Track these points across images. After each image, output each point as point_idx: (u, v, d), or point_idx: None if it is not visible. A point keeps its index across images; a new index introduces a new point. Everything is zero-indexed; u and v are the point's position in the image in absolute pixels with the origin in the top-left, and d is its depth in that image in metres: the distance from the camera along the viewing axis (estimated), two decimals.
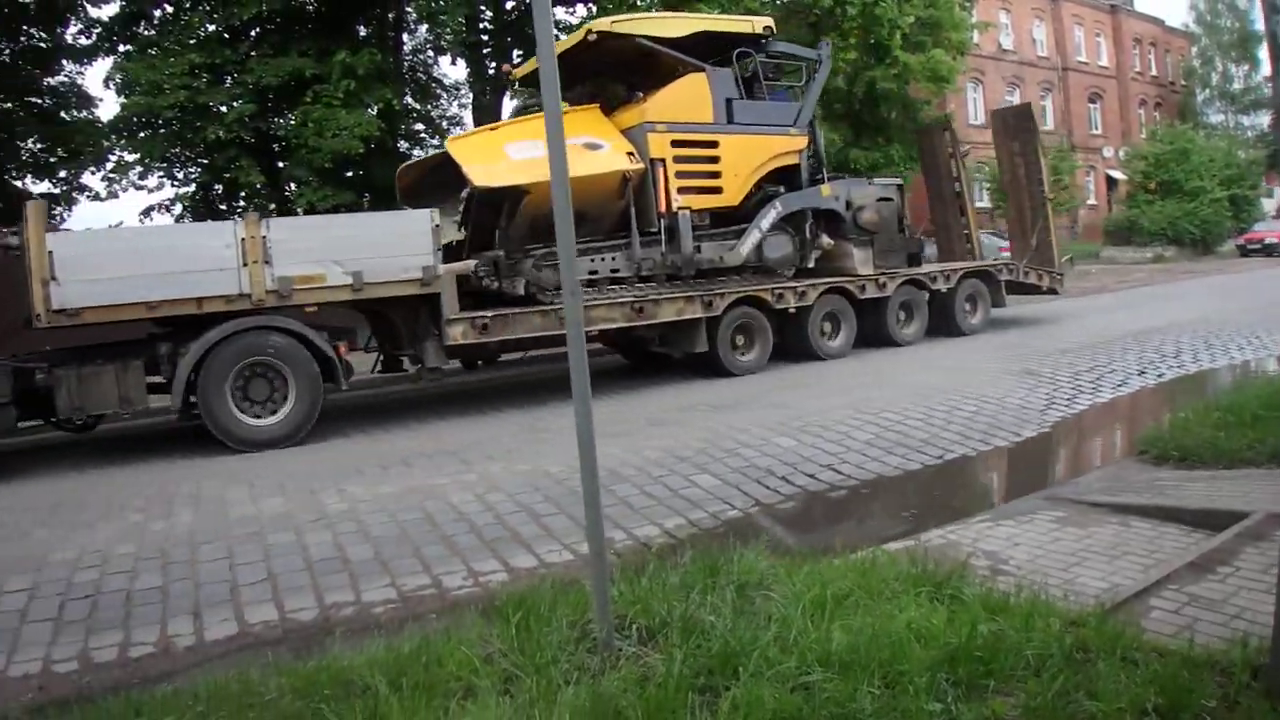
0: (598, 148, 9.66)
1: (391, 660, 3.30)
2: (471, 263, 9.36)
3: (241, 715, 3.05)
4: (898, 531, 4.81)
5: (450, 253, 9.08)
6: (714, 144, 10.09)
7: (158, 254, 7.58)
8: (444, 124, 19.87)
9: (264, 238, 7.80)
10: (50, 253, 7.41)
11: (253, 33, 14.12)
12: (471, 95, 18.01)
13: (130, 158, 15.56)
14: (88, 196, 18.83)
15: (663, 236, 9.86)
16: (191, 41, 13.78)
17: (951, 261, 13.01)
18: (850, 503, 5.66)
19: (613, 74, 10.47)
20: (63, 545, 5.61)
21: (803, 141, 10.76)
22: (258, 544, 5.36)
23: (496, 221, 9.57)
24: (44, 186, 18.48)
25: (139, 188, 16.55)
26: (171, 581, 4.92)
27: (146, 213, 16.08)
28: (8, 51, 16.80)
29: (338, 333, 8.54)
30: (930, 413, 7.37)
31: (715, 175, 10.13)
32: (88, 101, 17.72)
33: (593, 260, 9.72)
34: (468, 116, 19.01)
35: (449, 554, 5.09)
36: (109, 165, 16.30)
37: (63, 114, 17.22)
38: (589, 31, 9.45)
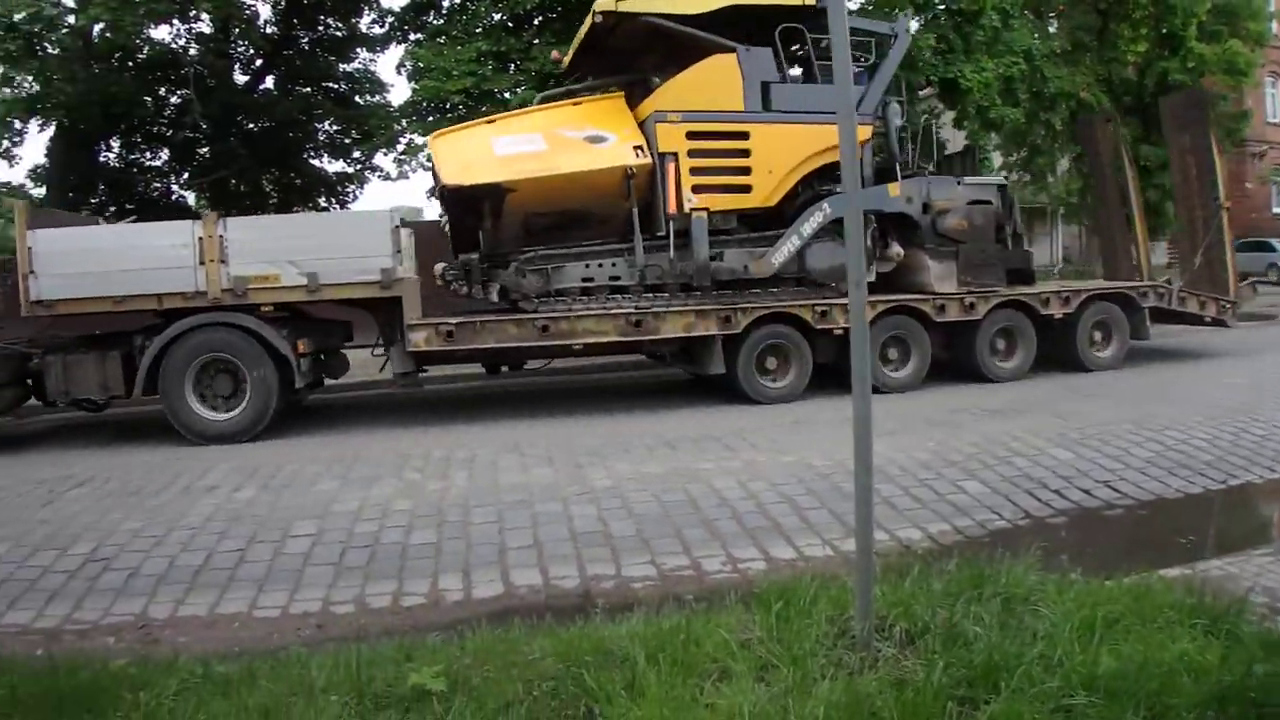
0: (601, 141, 9.35)
1: (651, 635, 3.60)
2: (439, 266, 9.41)
3: (504, 671, 3.43)
4: (1174, 558, 4.79)
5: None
6: (743, 135, 9.43)
7: (124, 252, 8.38)
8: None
9: (220, 237, 8.47)
10: (30, 248, 8.50)
11: (535, 21, 15.15)
12: None
13: (420, 140, 17.14)
14: (379, 176, 21.96)
15: (671, 241, 9.43)
16: (478, 30, 15.01)
17: (1114, 280, 11.93)
18: (1125, 523, 5.66)
19: (638, 59, 10.08)
20: (345, 498, 6.52)
21: (866, 131, 9.78)
22: (526, 511, 5.97)
23: (479, 222, 9.49)
24: (339, 166, 21.83)
25: (427, 169, 19.03)
26: (445, 539, 5.58)
27: (431, 193, 18.23)
28: (307, 40, 19.92)
29: (302, 331, 9.08)
30: (1237, 434, 7.26)
31: (743, 171, 9.50)
32: (380, 87, 20.07)
33: (588, 266, 9.46)
34: None
35: (709, 538, 5.45)
36: (399, 147, 18.38)
37: (357, 99, 20.04)
38: (595, 12, 9.12)
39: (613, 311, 9.27)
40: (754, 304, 9.60)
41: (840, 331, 9.63)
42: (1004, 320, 10.45)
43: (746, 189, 9.54)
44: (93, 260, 8.64)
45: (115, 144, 18.71)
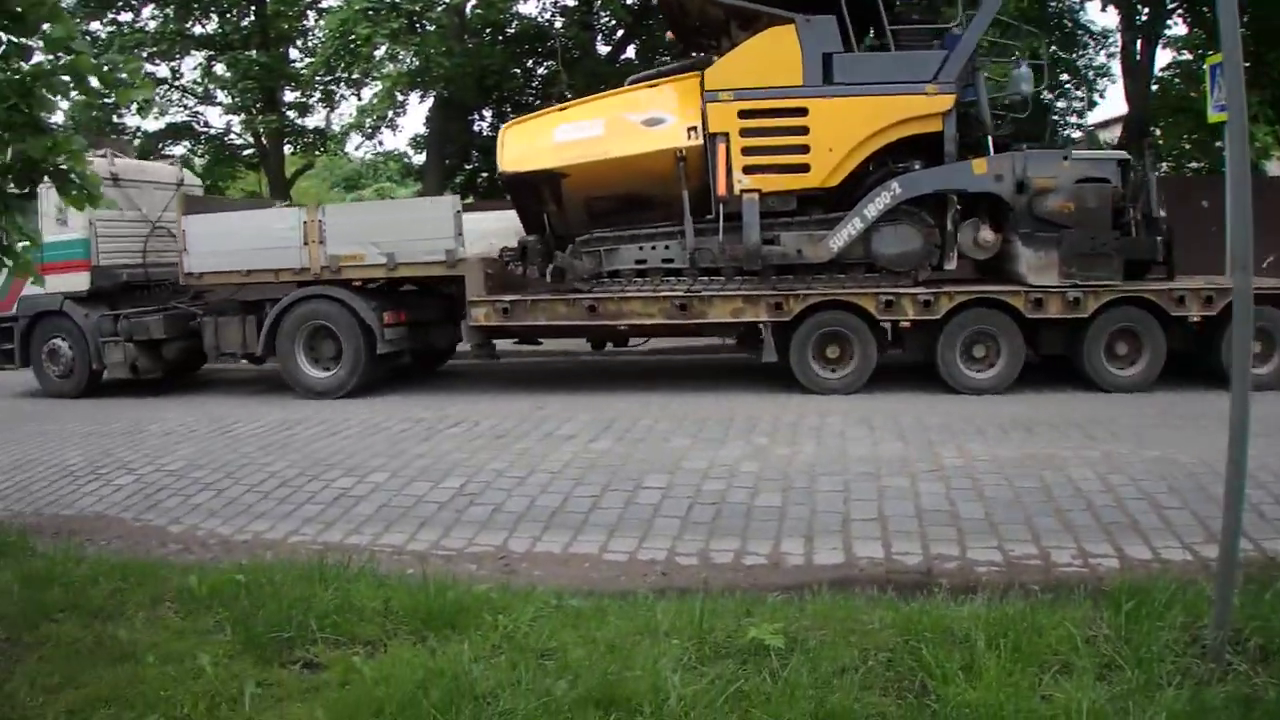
0: (658, 123, 9.85)
1: (993, 619, 3.80)
2: (498, 247, 10.58)
3: (842, 636, 3.77)
4: None
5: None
6: (800, 111, 9.43)
7: (250, 234, 10.88)
8: (1089, 74, 20.21)
9: (320, 221, 10.73)
10: (185, 230, 11.28)
11: None
12: (1120, 45, 18.49)
13: None
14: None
15: (720, 224, 9.76)
16: None
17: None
18: None
19: (716, 35, 10.34)
20: (695, 456, 7.24)
21: (946, 101, 9.45)
22: (872, 484, 6.31)
23: (542, 206, 10.40)
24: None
25: None
26: (789, 504, 6.05)
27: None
28: None
29: (391, 304, 10.92)
30: None
31: (801, 150, 9.48)
32: None
33: (641, 248, 10.14)
34: (1116, 66, 19.56)
35: (1060, 528, 5.54)
36: None
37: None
38: None
39: (659, 294, 9.92)
40: (807, 290, 9.81)
41: (908, 324, 9.72)
42: (1122, 320, 9.74)
43: (804, 168, 9.62)
44: (228, 240, 11.18)
45: (488, 114, 21.16)
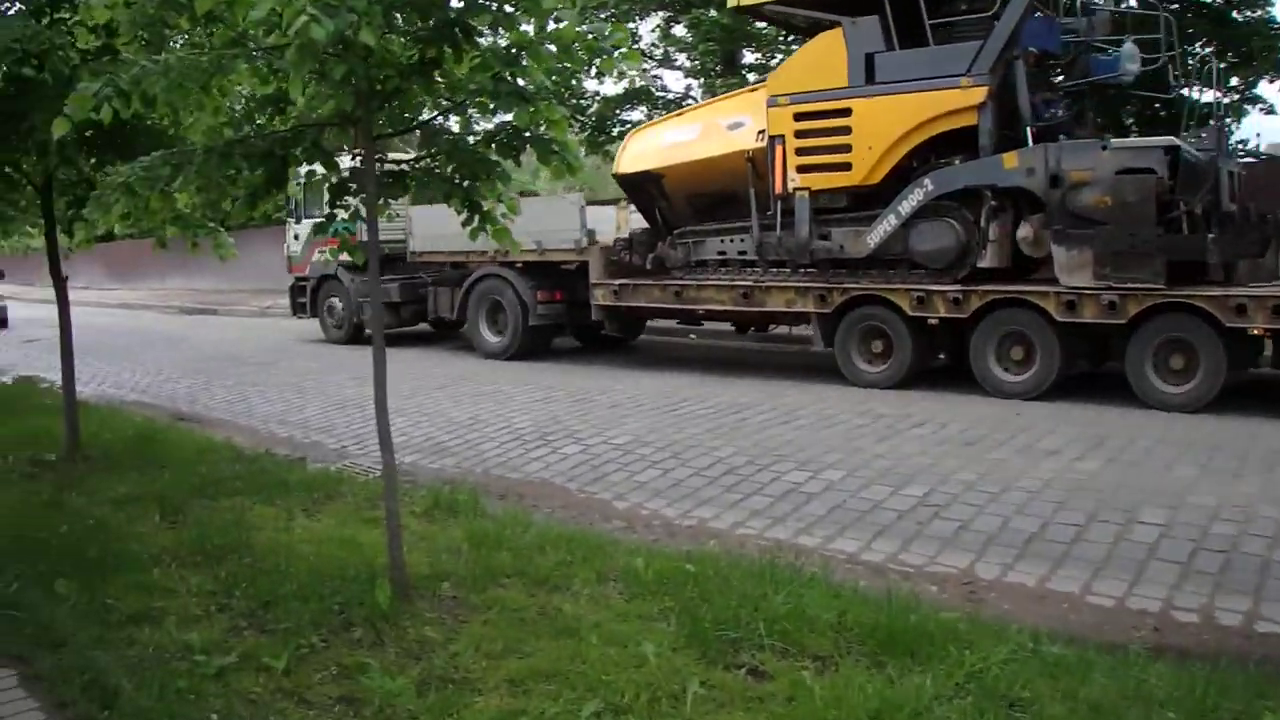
0: (738, 127, 12.55)
1: None
2: (614, 238, 14.47)
3: None
4: None
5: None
6: (844, 112, 11.26)
7: (451, 220, 12.68)
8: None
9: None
10: (410, 216, 16.49)
11: None
12: None
13: None
14: (1261, 109, 19.93)
15: (778, 220, 12.16)
16: None
17: None
18: None
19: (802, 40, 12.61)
20: (1202, 489, 6.92)
21: (979, 94, 10.71)
22: None
23: (652, 202, 14.23)
24: (1209, 96, 20.45)
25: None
26: None
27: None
28: None
29: (545, 285, 14.93)
30: None
31: (844, 149, 11.27)
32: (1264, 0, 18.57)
33: (722, 241, 13.09)
34: None
35: None
36: None
37: (1234, 14, 18.76)
38: (728, 8, 12.44)
39: (728, 283, 12.66)
40: (845, 285, 11.72)
41: (936, 321, 11.29)
42: (1172, 330, 10.07)
43: (847, 167, 11.39)
44: (439, 226, 14.38)
45: None
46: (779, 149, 12.06)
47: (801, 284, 12.24)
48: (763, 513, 6.98)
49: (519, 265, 14.92)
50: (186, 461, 8.41)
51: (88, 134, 6.59)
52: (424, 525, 6.56)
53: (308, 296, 19.24)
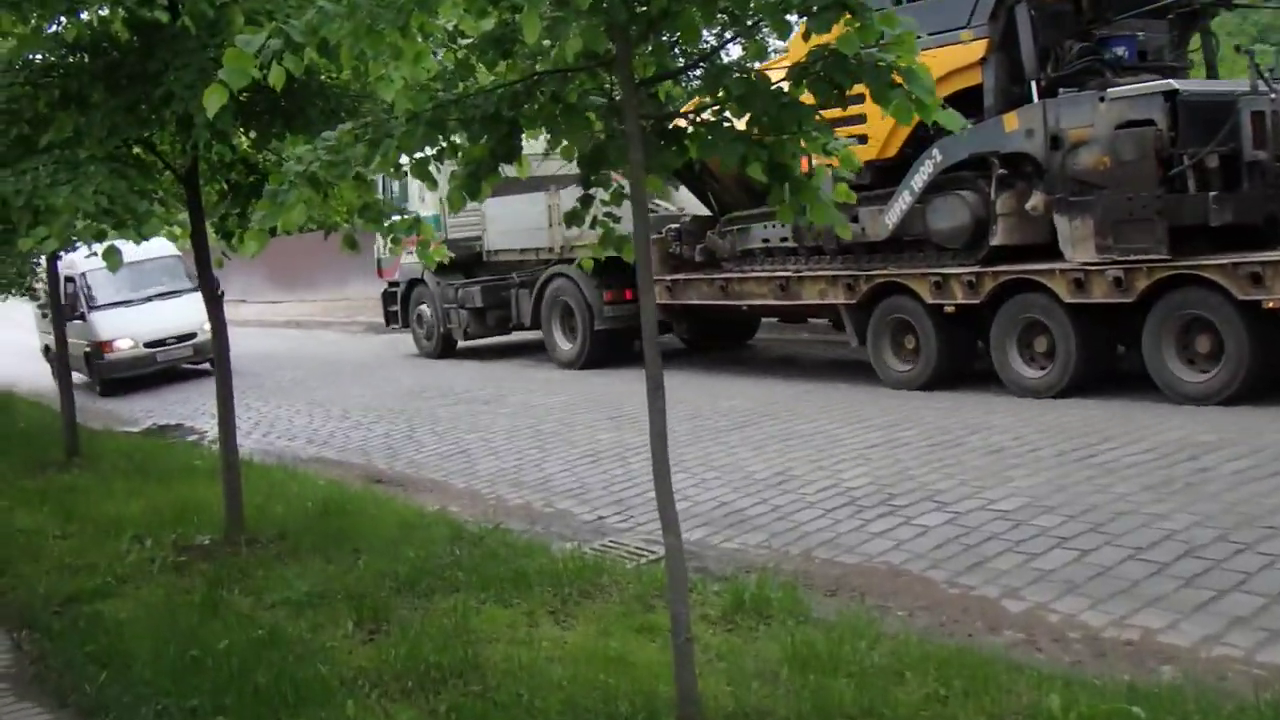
0: None
1: None
2: (668, 228, 18.90)
3: None
4: None
5: None
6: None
7: (521, 216, 19.81)
8: None
9: (557, 206, 19.09)
10: (484, 212, 20.88)
11: None
12: None
13: None
14: None
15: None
16: None
17: None
18: None
19: None
20: None
21: (979, 48, 13.29)
22: None
23: (704, 183, 18.65)
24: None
25: None
26: None
27: None
28: None
29: (613, 282, 19.02)
30: None
31: (859, 120, 13.22)
32: None
33: (766, 228, 17.16)
34: None
35: None
36: None
37: None
38: None
39: (767, 275, 16.45)
40: (869, 271, 15.11)
41: (952, 309, 14.29)
42: (1187, 307, 12.23)
43: (863, 139, 13.52)
44: (511, 221, 19.84)
45: None
46: None
47: (831, 272, 15.76)
48: (1250, 621, 6.71)
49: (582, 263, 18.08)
50: (387, 543, 8.92)
51: (242, 97, 7.17)
52: (722, 636, 6.69)
53: (399, 305, 24.76)
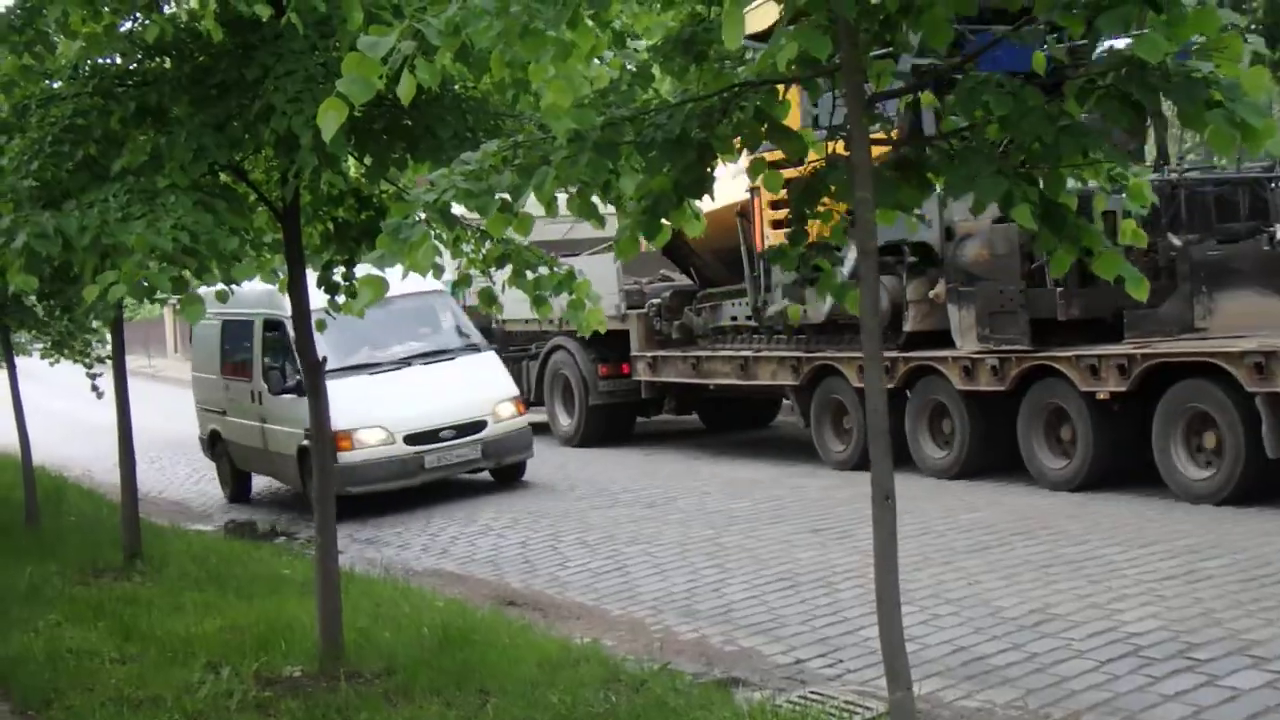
0: (740, 173, 13.82)
1: None
2: (653, 303, 23.67)
3: None
4: None
5: None
6: (800, 161, 12.45)
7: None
8: None
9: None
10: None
11: None
12: None
13: None
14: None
15: (761, 281, 20.36)
16: None
17: None
18: None
19: None
20: None
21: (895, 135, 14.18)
22: None
23: (687, 257, 23.54)
24: None
25: None
26: None
27: None
28: None
29: (607, 356, 23.81)
30: None
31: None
32: None
33: (733, 305, 21.70)
34: None
35: None
36: None
37: None
38: None
39: (730, 354, 20.91)
40: (810, 354, 19.68)
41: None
42: (1051, 396, 16.51)
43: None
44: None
45: None
46: (756, 202, 17.72)
47: (780, 354, 19.99)
48: None
49: (580, 335, 18.26)
50: (523, 684, 8.93)
51: (356, 113, 7.22)
52: None
53: None
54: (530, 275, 7.35)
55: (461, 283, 7.66)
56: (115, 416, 15.27)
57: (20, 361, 19.97)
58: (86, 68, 8.45)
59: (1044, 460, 16.48)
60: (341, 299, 9.77)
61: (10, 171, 8.02)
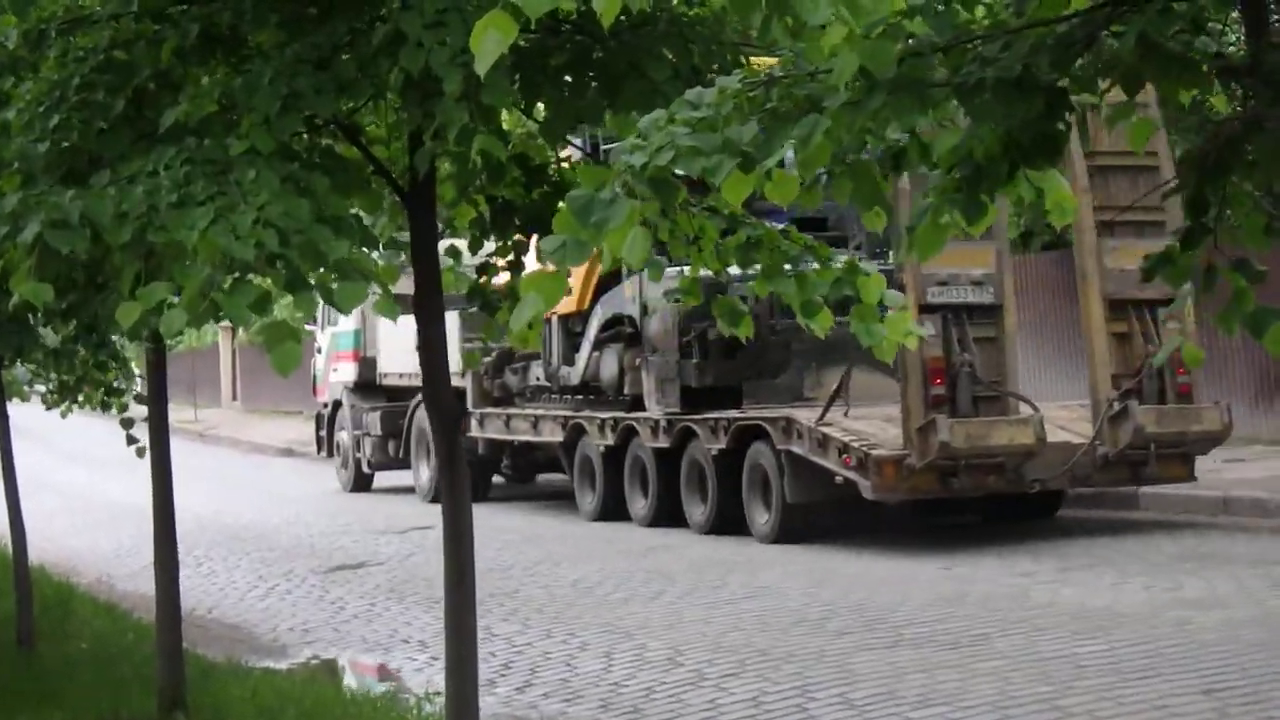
0: None
1: None
2: (484, 362, 42.74)
3: None
4: None
5: None
6: None
7: (398, 336, 39.95)
8: None
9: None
10: (374, 325, 48.22)
11: None
12: None
13: None
14: None
15: (551, 346, 36.66)
16: None
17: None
18: None
19: None
20: None
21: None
22: None
23: None
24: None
25: None
26: None
27: None
28: None
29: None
30: None
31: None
32: None
33: (537, 366, 39.15)
34: None
35: None
36: None
37: None
38: None
39: (520, 413, 38.77)
40: (569, 414, 35.94)
41: (603, 449, 33.74)
42: (696, 454, 29.83)
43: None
44: (399, 341, 39.58)
45: None
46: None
47: (554, 412, 33.01)
48: None
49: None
50: None
51: (523, 42, 7.21)
52: None
53: (325, 428, 44.27)
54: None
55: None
56: (149, 495, 15.43)
57: (13, 410, 20.02)
58: None
59: (692, 509, 30.18)
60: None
61: (20, 129, 8.10)
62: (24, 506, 18.60)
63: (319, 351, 40.78)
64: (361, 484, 41.46)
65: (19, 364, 18.62)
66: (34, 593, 18.48)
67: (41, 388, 19.72)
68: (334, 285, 7.71)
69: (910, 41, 5.30)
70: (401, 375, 38.32)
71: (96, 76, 8.01)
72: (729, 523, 28.77)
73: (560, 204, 5.35)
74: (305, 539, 32.75)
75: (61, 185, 7.68)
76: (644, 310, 30.75)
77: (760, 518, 28.12)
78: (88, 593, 23.83)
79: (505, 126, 9.29)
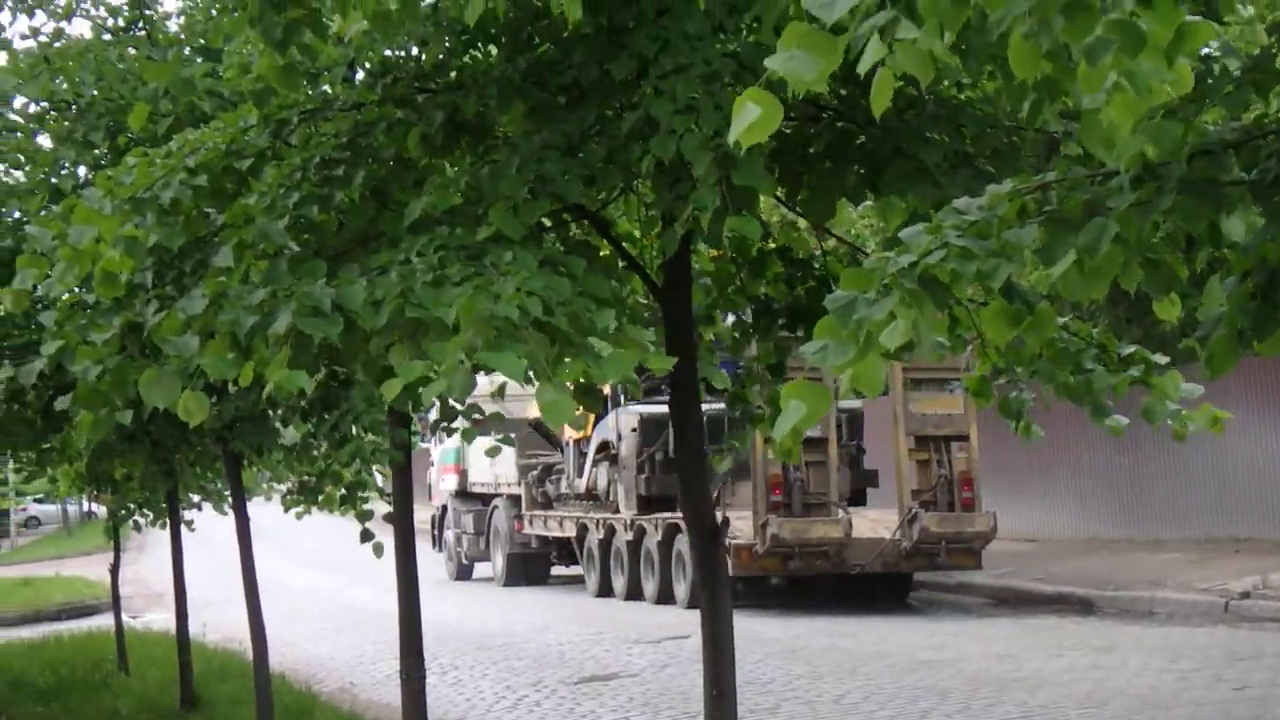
0: None
1: None
2: (532, 474, 59.23)
3: None
4: None
5: None
6: None
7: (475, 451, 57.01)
8: None
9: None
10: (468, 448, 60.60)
11: None
12: None
13: None
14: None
15: (569, 460, 52.79)
16: None
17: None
18: None
19: None
20: None
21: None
22: None
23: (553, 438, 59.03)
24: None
25: None
26: None
27: None
28: None
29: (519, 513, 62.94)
30: None
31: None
32: None
33: (566, 475, 55.18)
34: None
35: None
36: None
37: None
38: None
39: (556, 516, 53.65)
40: (577, 515, 50.43)
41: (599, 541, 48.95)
42: (648, 545, 44.31)
43: (584, 421, 42.83)
44: (480, 457, 55.32)
45: None
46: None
47: (571, 515, 48.06)
48: None
49: (506, 495, 51.06)
50: None
51: (786, 129, 7.02)
52: None
53: (436, 528, 58.08)
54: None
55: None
56: (395, 596, 15.57)
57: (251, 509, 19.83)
58: (374, 63, 8.36)
59: (647, 583, 41.67)
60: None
61: (261, 213, 8.08)
62: (263, 610, 18.50)
63: (432, 464, 54.39)
64: (463, 573, 54.74)
65: (262, 465, 18.99)
66: (275, 701, 18.47)
67: (282, 487, 19.97)
68: (604, 354, 7.47)
69: (1197, 134, 5.07)
70: (484, 485, 52.33)
71: (338, 154, 7.90)
72: (668, 594, 40.75)
73: (824, 302, 5.05)
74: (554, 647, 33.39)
75: (309, 275, 7.53)
76: (618, 437, 43.33)
77: (680, 590, 40.16)
78: (329, 702, 23.96)
79: (767, 215, 9.11)
